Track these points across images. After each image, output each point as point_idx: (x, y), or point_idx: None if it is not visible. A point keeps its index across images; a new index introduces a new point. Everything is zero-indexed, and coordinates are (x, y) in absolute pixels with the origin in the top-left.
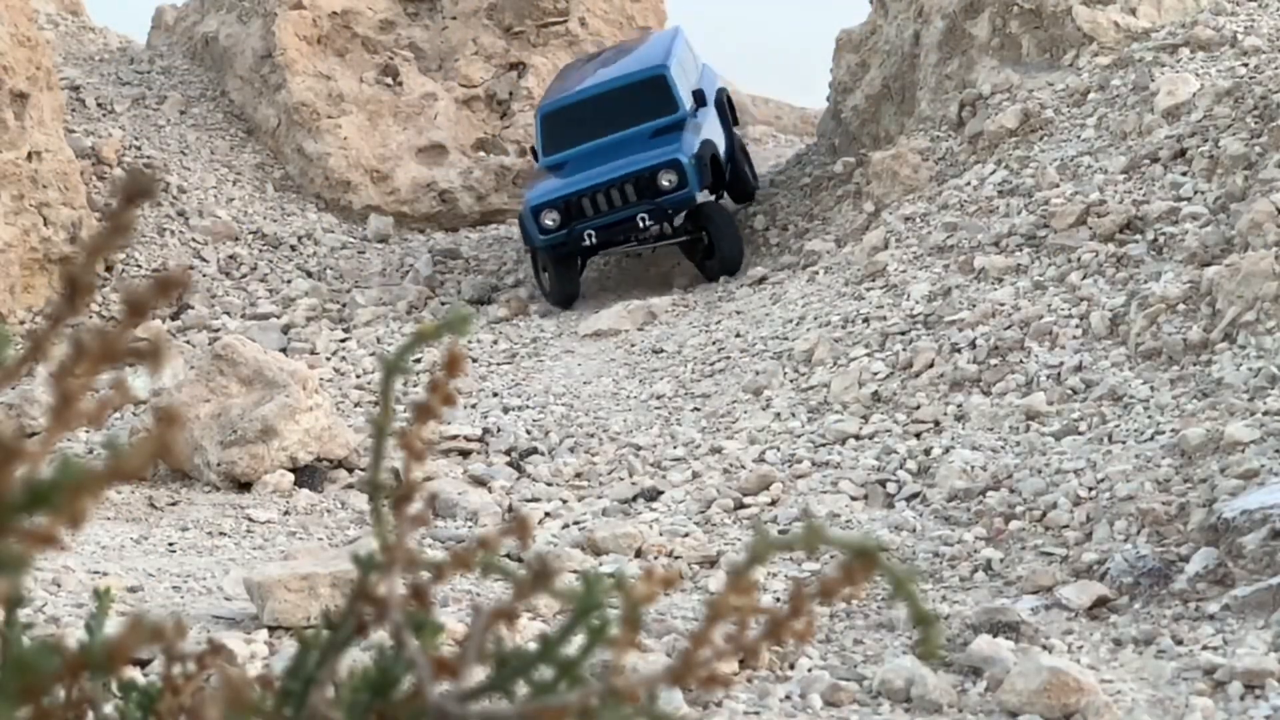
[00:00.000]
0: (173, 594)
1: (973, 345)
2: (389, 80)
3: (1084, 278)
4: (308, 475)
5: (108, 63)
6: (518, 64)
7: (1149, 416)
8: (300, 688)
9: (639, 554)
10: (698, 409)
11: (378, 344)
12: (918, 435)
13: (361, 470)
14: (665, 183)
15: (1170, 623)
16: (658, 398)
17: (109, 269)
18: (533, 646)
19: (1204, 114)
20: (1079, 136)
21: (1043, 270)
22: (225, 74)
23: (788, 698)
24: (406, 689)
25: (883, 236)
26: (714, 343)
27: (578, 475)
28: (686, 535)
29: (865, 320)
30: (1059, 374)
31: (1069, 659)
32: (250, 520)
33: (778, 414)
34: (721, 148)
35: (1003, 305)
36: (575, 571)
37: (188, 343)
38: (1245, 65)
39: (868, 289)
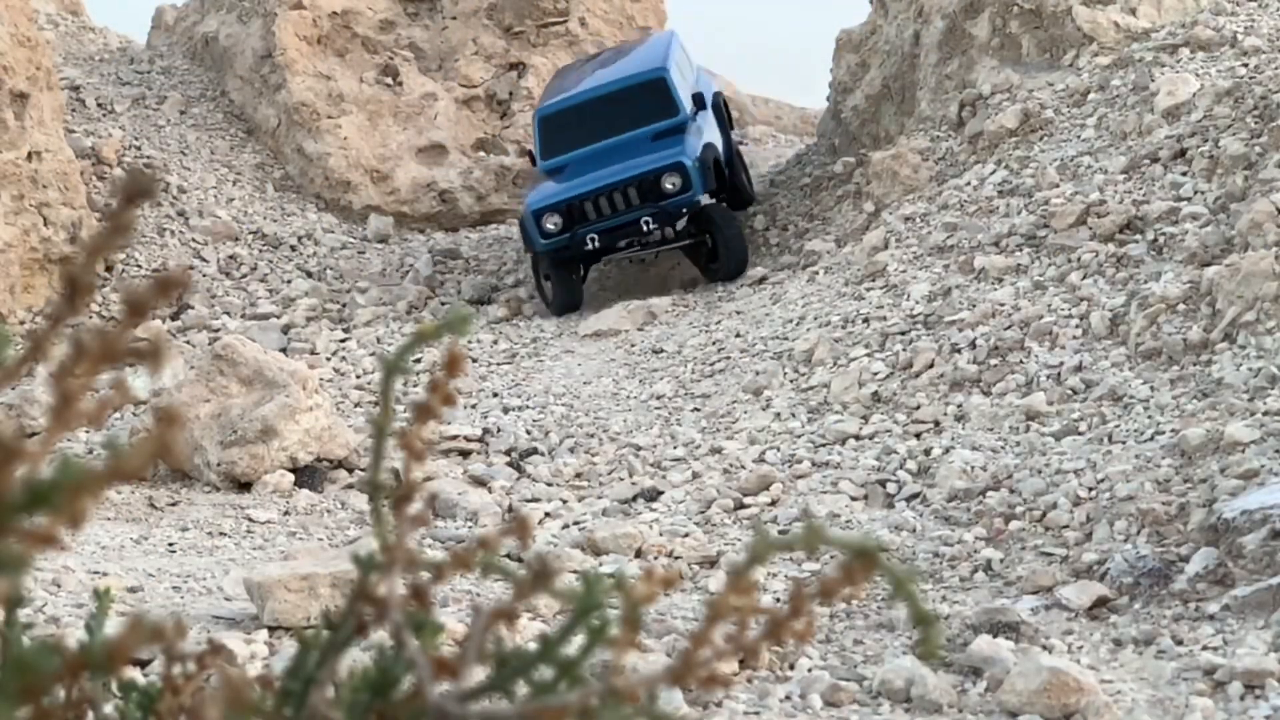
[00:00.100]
0: (173, 594)
1: (973, 345)
2: (389, 80)
3: (1084, 278)
4: (308, 475)
5: (108, 63)
6: (518, 64)
7: (1149, 416)
8: (300, 688)
9: (639, 554)
10: (698, 409)
11: (378, 344)
12: (918, 435)
13: (361, 470)
14: (669, 186)
15: (1170, 623)
16: (658, 398)
17: (109, 269)
18: (533, 646)
19: (1204, 114)
20: (1079, 136)
21: (1043, 270)
22: (225, 74)
23: (788, 698)
24: (406, 689)
25: (883, 236)
26: (714, 343)
27: (578, 475)
28: (686, 535)
29: (865, 320)
30: (1059, 374)
31: (1069, 659)
32: (250, 520)
33: (778, 414)
34: (721, 152)
35: (1003, 305)
36: (575, 571)
37: (188, 343)
38: (1245, 65)
39: (868, 289)
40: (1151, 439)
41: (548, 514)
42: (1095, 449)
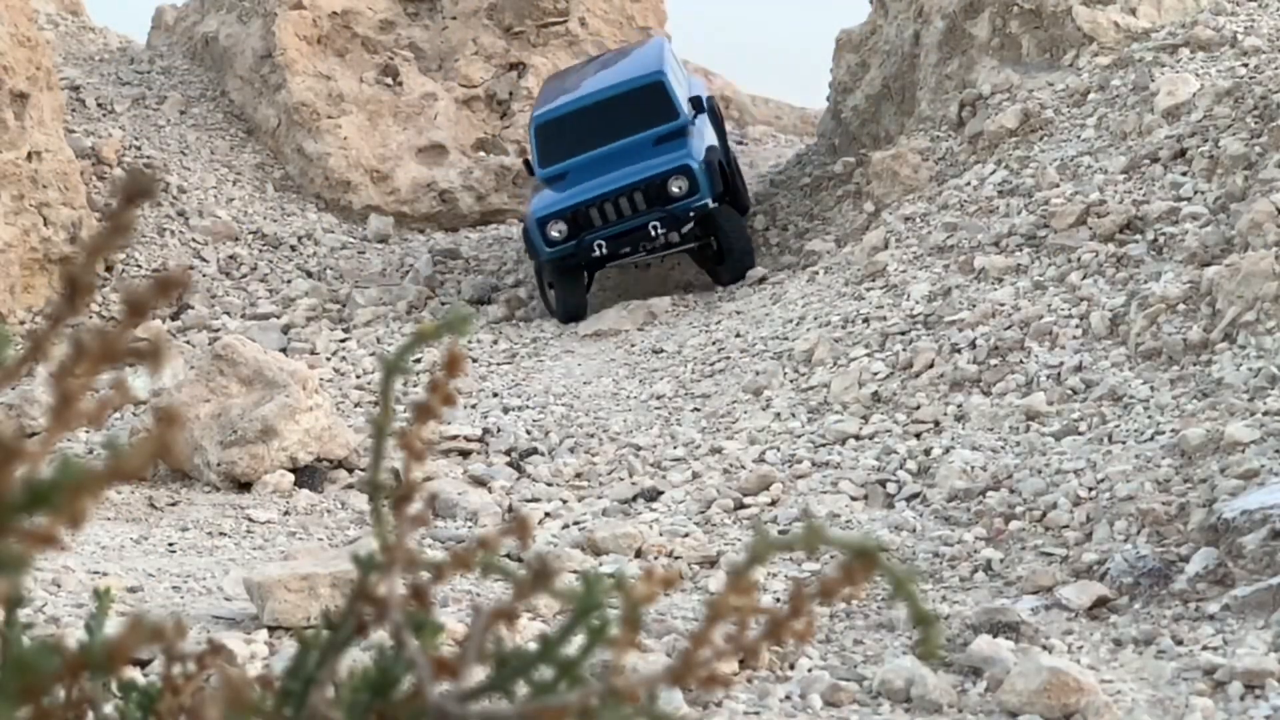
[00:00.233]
0: (173, 594)
1: (973, 345)
2: (389, 80)
3: (1084, 278)
4: (308, 475)
5: (108, 63)
6: (518, 64)
7: (1149, 416)
8: (300, 688)
9: (639, 554)
10: (698, 409)
11: (378, 344)
12: (918, 435)
13: (361, 470)
14: (676, 189)
15: (1170, 623)
16: (658, 398)
17: (109, 269)
18: (533, 646)
19: (1204, 114)
20: (1079, 136)
21: (1043, 270)
22: (225, 74)
23: (788, 698)
24: (406, 689)
25: (883, 236)
26: (714, 343)
27: (578, 475)
28: (686, 535)
29: (865, 320)
30: (1059, 374)
31: (1069, 659)
32: (250, 520)
33: (778, 414)
34: (721, 154)
35: (1003, 305)
36: (575, 571)
37: (188, 343)
38: (1245, 65)
39: (868, 289)
40: (1151, 439)
41: (548, 514)
42: (1095, 449)
